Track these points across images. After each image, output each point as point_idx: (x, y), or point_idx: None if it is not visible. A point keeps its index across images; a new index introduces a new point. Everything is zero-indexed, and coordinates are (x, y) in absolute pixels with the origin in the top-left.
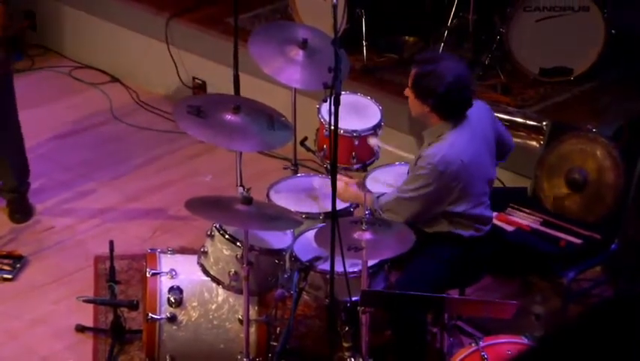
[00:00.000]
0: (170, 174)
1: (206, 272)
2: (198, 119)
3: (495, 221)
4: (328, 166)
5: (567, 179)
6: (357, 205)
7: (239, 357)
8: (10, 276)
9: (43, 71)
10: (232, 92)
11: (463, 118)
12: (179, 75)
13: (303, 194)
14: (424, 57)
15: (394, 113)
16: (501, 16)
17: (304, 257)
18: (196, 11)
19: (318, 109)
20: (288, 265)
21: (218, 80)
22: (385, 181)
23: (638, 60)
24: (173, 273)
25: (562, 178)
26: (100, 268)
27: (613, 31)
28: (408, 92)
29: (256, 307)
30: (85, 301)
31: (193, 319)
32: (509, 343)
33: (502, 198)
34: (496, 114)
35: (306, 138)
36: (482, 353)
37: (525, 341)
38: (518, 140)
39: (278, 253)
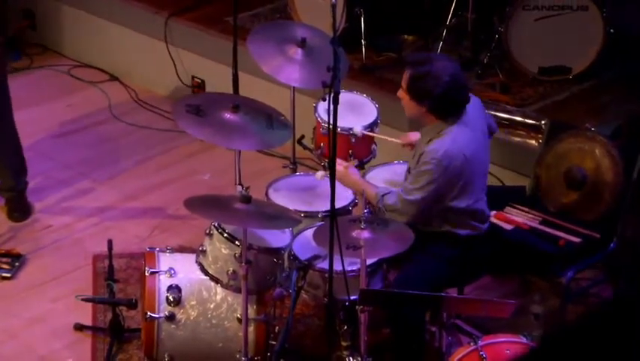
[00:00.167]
0: (168, 173)
1: (204, 271)
2: (197, 117)
3: (494, 220)
4: (326, 164)
5: (566, 178)
6: (356, 204)
7: (237, 356)
8: (8, 275)
9: (43, 69)
10: (231, 91)
11: (461, 114)
12: (178, 74)
13: (302, 193)
14: (417, 59)
15: (394, 112)
16: (500, 15)
17: (303, 256)
18: (195, 10)
19: (315, 107)
20: (286, 263)
21: (218, 79)
22: (384, 179)
23: (637, 59)
24: (172, 272)
25: (561, 177)
26: (98, 267)
27: (612, 30)
28: (401, 93)
29: (255, 306)
30: (83, 299)
31: (192, 318)
32: (508, 342)
33: (501, 197)
34: (495, 113)
35: (303, 137)
36: (481, 352)
37: (524, 340)
38: (517, 139)
39: (276, 251)
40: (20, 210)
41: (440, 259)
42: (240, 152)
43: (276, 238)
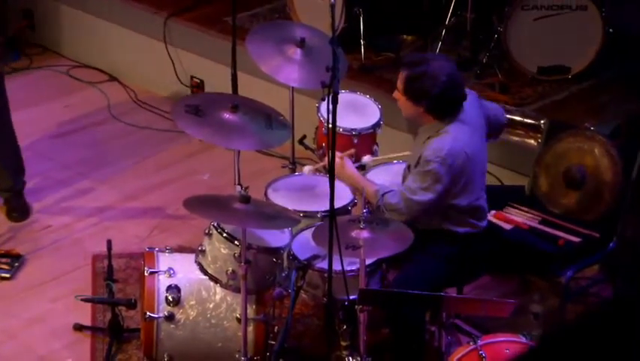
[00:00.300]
0: (168, 173)
1: (204, 271)
2: (196, 118)
3: (493, 219)
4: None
5: (565, 177)
6: (355, 204)
7: (237, 356)
8: (8, 275)
9: (42, 70)
10: (230, 91)
11: (459, 112)
12: (177, 74)
13: (301, 193)
14: (413, 59)
15: (392, 112)
16: (499, 15)
17: (302, 256)
18: (194, 10)
19: (318, 107)
20: (285, 263)
21: (217, 79)
22: (383, 179)
23: (636, 58)
24: (171, 272)
25: (560, 176)
26: (98, 267)
27: (611, 29)
28: (397, 94)
29: (254, 306)
30: (83, 299)
31: (191, 317)
32: (507, 341)
33: (500, 197)
34: None
35: (304, 137)
36: (480, 352)
37: (523, 339)
38: (516, 138)
39: (276, 251)
40: (19, 210)
41: (439, 258)
42: (239, 152)
43: (276, 237)
